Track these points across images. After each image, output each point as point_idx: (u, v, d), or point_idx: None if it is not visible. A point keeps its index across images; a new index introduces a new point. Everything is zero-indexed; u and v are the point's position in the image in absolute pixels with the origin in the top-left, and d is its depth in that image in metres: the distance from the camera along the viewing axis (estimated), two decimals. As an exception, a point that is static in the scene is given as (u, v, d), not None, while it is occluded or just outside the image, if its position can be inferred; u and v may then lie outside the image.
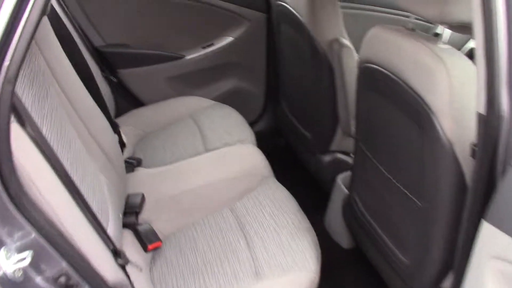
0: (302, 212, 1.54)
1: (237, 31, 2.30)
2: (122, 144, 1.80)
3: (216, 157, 1.82)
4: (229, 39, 2.31)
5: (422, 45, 1.19)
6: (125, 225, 1.48)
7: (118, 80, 2.23)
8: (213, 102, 2.23)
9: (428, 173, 1.22)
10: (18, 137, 0.84)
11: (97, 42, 2.17)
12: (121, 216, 1.44)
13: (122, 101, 2.26)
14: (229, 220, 1.53)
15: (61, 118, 1.14)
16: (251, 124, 2.42)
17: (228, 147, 1.87)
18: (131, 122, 2.15)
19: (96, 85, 1.68)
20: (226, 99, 2.31)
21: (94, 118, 1.46)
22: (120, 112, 2.21)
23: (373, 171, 1.50)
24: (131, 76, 2.25)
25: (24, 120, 0.87)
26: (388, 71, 1.30)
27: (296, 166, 2.32)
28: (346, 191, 1.84)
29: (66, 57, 1.42)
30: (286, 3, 1.92)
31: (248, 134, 1.97)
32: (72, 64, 1.49)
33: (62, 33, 1.58)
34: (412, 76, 1.20)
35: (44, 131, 0.97)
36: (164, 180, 1.74)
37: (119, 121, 2.15)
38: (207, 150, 1.88)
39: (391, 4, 2.36)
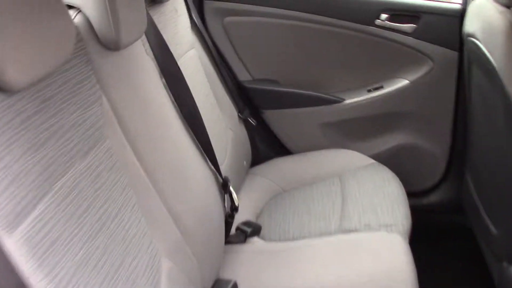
0: None
1: (415, 72, 1.75)
2: (234, 208, 1.44)
3: (349, 245, 1.34)
4: (403, 82, 1.78)
5: None
6: None
7: (260, 122, 1.89)
8: (371, 161, 1.73)
9: None
10: None
11: (242, 77, 1.87)
12: None
13: (262, 147, 1.92)
14: None
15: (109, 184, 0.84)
16: (423, 193, 1.85)
17: (369, 233, 1.37)
18: (268, 174, 1.79)
19: (206, 133, 1.36)
20: (390, 158, 1.79)
21: (182, 180, 1.14)
22: (258, 159, 1.87)
23: None
24: (277, 118, 1.90)
25: None
26: None
27: (471, 261, 1.67)
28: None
29: (163, 99, 1.16)
30: (478, 39, 1.33)
31: (400, 218, 1.42)
32: (179, 108, 1.27)
33: (171, 69, 1.31)
34: None
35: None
36: (272, 264, 1.32)
37: (255, 171, 1.81)
38: (341, 229, 1.40)
39: None
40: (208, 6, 1.80)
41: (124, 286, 0.84)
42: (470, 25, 1.44)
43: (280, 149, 1.95)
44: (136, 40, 1.10)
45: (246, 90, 1.86)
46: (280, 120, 1.91)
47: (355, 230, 1.39)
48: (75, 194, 0.79)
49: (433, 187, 1.90)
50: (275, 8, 1.76)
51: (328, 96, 1.84)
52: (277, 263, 1.33)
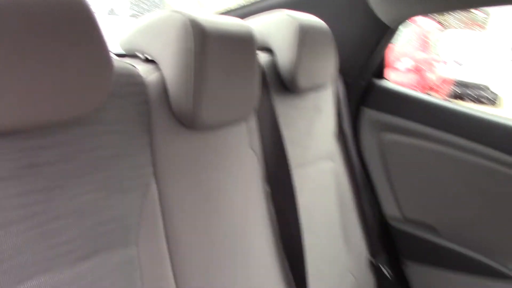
0: None
1: None
2: None
3: None
4: None
5: None
6: None
7: (398, 277, 1.41)
8: None
9: None
10: None
11: (390, 211, 1.44)
12: None
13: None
14: None
15: None
16: None
17: None
18: None
19: (302, 261, 0.99)
20: None
21: None
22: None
23: None
24: (423, 277, 1.40)
25: None
26: None
27: None
28: None
29: (253, 208, 0.87)
30: None
31: None
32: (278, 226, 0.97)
33: (279, 175, 1.00)
34: None
35: None
36: None
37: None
38: None
39: None
40: (367, 114, 1.45)
41: None
42: None
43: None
44: (225, 123, 0.82)
45: (391, 230, 1.43)
46: (426, 281, 1.41)
47: None
48: None
49: None
50: (452, 135, 1.33)
51: (501, 269, 1.29)
52: None
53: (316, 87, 1.13)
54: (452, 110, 1.30)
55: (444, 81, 6.72)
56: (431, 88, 5.97)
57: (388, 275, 1.36)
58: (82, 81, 0.54)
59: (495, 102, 7.40)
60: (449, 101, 1.39)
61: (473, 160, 1.28)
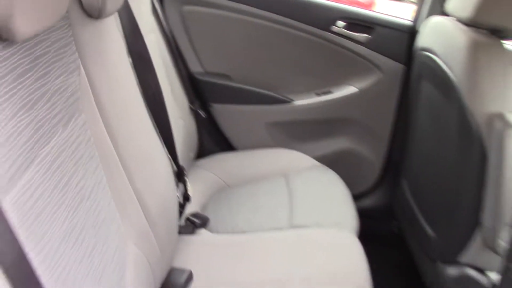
0: None
1: (364, 81, 1.83)
2: (186, 197, 1.41)
3: (299, 241, 1.35)
4: (351, 90, 1.85)
5: None
6: None
7: (208, 116, 1.87)
8: (315, 162, 1.77)
9: None
10: None
11: (194, 68, 1.83)
12: None
13: (208, 141, 1.89)
14: None
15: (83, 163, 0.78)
16: (357, 197, 1.92)
17: (319, 230, 1.39)
18: (212, 168, 1.76)
19: (167, 119, 1.32)
20: (332, 161, 1.83)
21: (148, 164, 1.09)
22: (202, 152, 1.84)
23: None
24: (225, 113, 1.89)
25: None
26: None
27: (402, 263, 1.76)
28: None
29: (131, 79, 1.09)
30: (435, 53, 1.42)
31: (349, 217, 1.47)
32: (142, 89, 1.19)
33: (138, 50, 1.25)
34: None
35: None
36: (225, 256, 1.31)
37: (200, 164, 1.78)
38: (291, 225, 1.42)
39: None
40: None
41: (97, 270, 0.79)
42: (426, 40, 1.52)
43: (224, 145, 1.93)
44: (118, 9, 1.05)
45: (197, 82, 1.83)
46: (227, 115, 1.90)
47: (305, 226, 1.41)
48: (58, 164, 0.73)
49: (367, 192, 1.99)
50: (236, 3, 1.76)
51: (278, 96, 1.86)
52: (229, 255, 1.32)
53: None
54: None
55: None
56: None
57: (203, 115, 1.81)
58: None
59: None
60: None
61: (258, 22, 1.75)
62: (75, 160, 0.79)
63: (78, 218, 0.76)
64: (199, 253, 1.32)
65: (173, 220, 1.22)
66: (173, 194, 1.26)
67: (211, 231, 1.44)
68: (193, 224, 1.42)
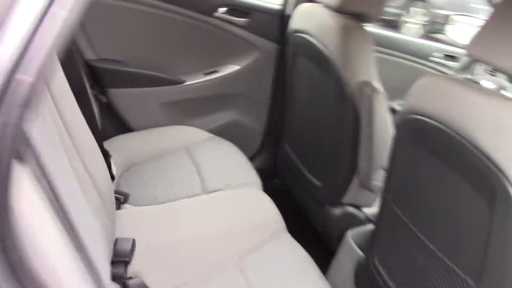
0: (325, 280, 1.31)
1: (245, 60, 2.09)
2: (112, 177, 1.54)
3: (218, 201, 1.58)
4: (235, 68, 2.10)
5: (501, 100, 1.00)
6: (113, 277, 1.21)
7: (108, 99, 1.97)
8: (210, 134, 2.00)
9: (495, 255, 1.01)
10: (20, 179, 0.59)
11: (89, 55, 1.91)
12: (109, 266, 1.18)
13: (107, 124, 2.00)
14: (238, 284, 1.28)
15: (59, 152, 0.88)
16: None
17: (232, 190, 1.63)
18: (116, 149, 1.87)
19: (90, 105, 1.42)
20: (223, 132, 2.08)
21: (88, 148, 1.21)
22: (104, 136, 1.94)
23: (408, 238, 1.29)
24: (121, 97, 2.00)
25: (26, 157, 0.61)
26: (446, 126, 1.11)
27: (293, 213, 2.09)
28: (359, 252, 1.62)
29: (62, 71, 1.18)
30: (309, 34, 1.72)
31: (253, 177, 1.73)
32: (67, 79, 1.26)
33: None
34: (485, 137, 1.01)
35: (47, 169, 0.71)
36: (157, 223, 1.48)
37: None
38: (205, 191, 1.63)
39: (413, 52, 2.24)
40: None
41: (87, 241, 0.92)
42: (298, 23, 1.82)
43: (122, 127, 2.04)
44: None
45: (95, 69, 1.91)
46: (124, 99, 2.01)
47: (218, 190, 1.63)
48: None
49: (253, 156, 2.27)
50: None
51: (170, 78, 2.03)
52: (158, 223, 1.49)
53: None
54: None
55: None
56: None
57: (104, 100, 1.91)
58: None
59: None
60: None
61: (147, 10, 1.89)
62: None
63: None
64: (131, 224, 1.47)
65: (112, 196, 1.36)
66: (108, 174, 1.39)
67: (133, 205, 1.58)
68: (117, 201, 1.56)
